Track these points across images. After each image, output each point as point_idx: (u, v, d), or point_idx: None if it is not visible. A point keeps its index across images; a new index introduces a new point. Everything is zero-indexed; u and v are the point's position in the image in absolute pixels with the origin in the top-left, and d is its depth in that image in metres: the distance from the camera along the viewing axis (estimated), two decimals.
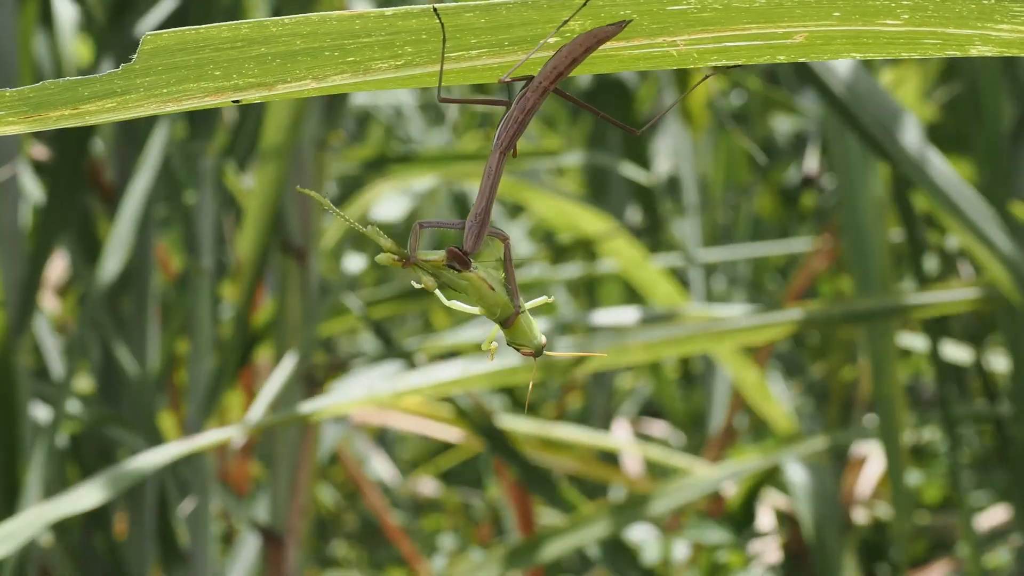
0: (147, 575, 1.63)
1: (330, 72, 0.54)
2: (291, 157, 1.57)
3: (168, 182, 1.59)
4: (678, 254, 2.19)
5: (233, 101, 0.54)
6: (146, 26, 1.53)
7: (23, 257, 1.49)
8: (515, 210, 2.56)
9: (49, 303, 1.94)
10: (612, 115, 2.24)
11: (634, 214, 2.32)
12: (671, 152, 2.40)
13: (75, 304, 1.84)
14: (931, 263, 1.94)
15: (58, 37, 1.64)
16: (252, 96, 0.54)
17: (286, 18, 0.52)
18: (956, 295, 1.41)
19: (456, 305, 0.60)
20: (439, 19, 0.53)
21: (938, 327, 1.54)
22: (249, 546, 1.70)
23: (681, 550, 1.77)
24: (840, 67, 1.30)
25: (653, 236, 2.32)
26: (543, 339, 0.59)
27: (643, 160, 2.33)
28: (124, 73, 0.52)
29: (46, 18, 1.66)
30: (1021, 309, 1.41)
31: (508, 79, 0.56)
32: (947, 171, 1.28)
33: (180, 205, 1.60)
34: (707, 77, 0.63)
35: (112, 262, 1.47)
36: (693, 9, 0.53)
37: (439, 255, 0.58)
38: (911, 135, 1.27)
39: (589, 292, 2.34)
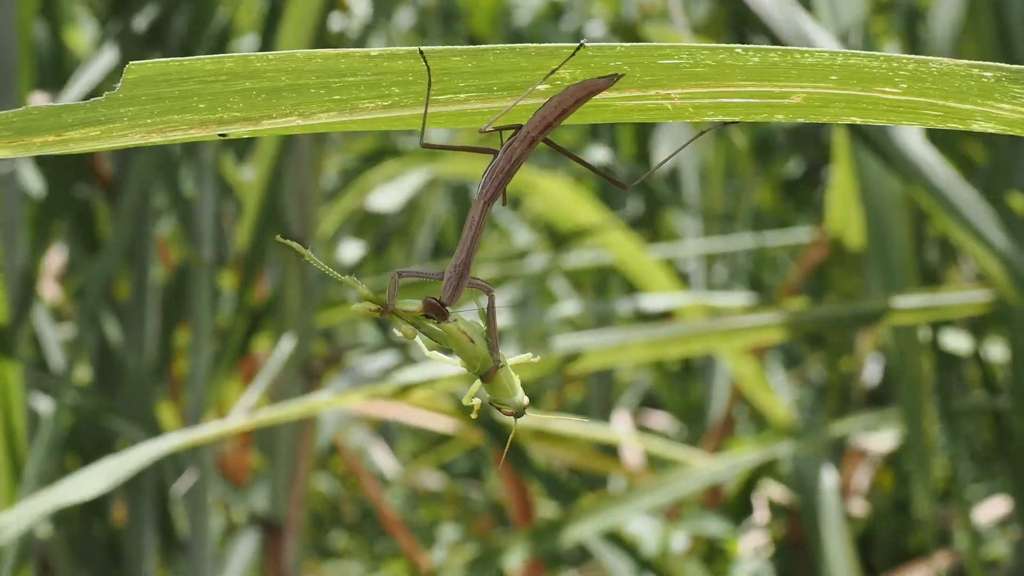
0: (146, 565, 1.63)
1: (316, 109, 0.53)
2: (289, 149, 1.57)
3: (167, 173, 1.59)
4: (677, 245, 2.19)
5: (219, 135, 0.53)
6: (146, 16, 1.53)
7: (23, 248, 1.50)
8: (514, 202, 2.56)
9: (49, 291, 1.94)
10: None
11: (635, 207, 2.32)
12: (671, 144, 2.39)
13: (74, 294, 1.84)
14: (932, 254, 1.94)
15: (57, 26, 1.64)
16: (238, 131, 0.53)
17: (271, 54, 0.51)
18: (965, 297, 1.41)
19: (436, 356, 0.58)
20: (425, 62, 0.52)
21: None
22: (248, 536, 1.70)
23: (680, 541, 1.77)
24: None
25: (652, 227, 2.32)
26: (525, 399, 0.57)
27: (643, 152, 2.33)
28: (108, 102, 0.51)
29: (46, 7, 1.66)
30: (1019, 305, 1.41)
31: (490, 129, 0.54)
32: (943, 169, 1.28)
33: (179, 196, 1.60)
34: (703, 133, 0.61)
35: (112, 253, 1.47)
36: (686, 64, 0.52)
37: (417, 305, 0.56)
38: (909, 134, 1.27)
39: (591, 284, 2.34)
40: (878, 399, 2.25)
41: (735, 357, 1.77)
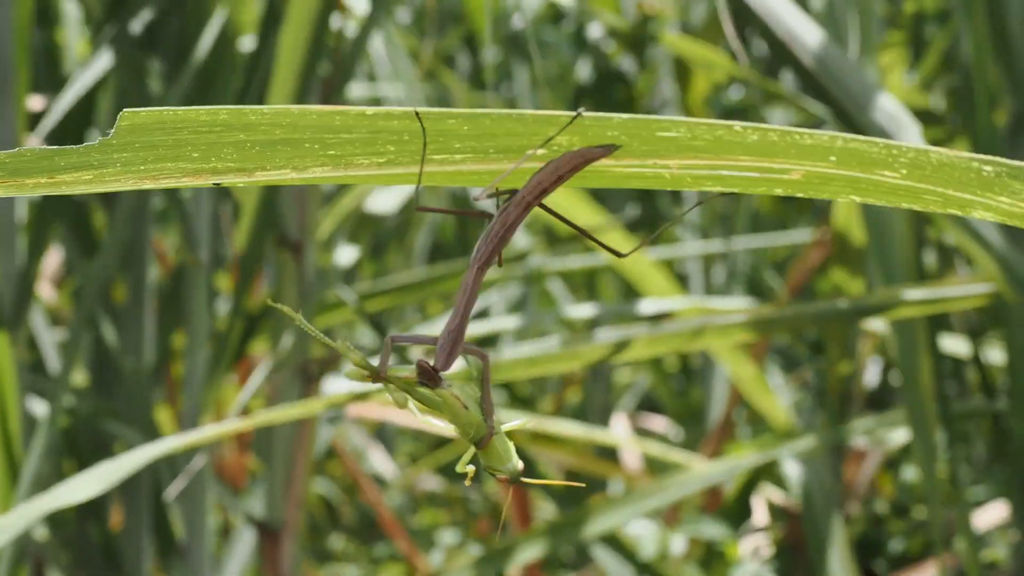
0: (143, 568, 1.62)
1: (310, 163, 0.53)
2: None
3: None
4: (676, 247, 2.19)
5: (214, 184, 0.53)
6: (141, 22, 1.53)
7: (19, 251, 1.49)
8: None
9: (46, 292, 1.94)
10: (613, 106, 2.23)
11: (633, 209, 2.32)
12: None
13: (71, 296, 1.84)
14: (930, 257, 1.94)
15: (55, 32, 1.64)
16: (231, 180, 0.53)
17: (265, 108, 0.51)
18: (961, 291, 1.40)
19: (429, 422, 0.57)
20: (420, 123, 0.51)
21: (936, 321, 1.54)
22: (245, 539, 1.70)
23: (678, 544, 1.77)
24: (833, 64, 1.30)
25: (651, 230, 2.32)
26: (520, 464, 0.56)
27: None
28: (101, 147, 0.51)
29: (42, 10, 1.65)
30: (1016, 305, 1.41)
31: (484, 197, 0.54)
32: None
33: (176, 198, 1.59)
34: (700, 203, 0.61)
35: (108, 255, 1.47)
36: (684, 137, 0.52)
37: (410, 371, 0.55)
38: (907, 132, 1.27)
39: (588, 287, 2.34)
40: (877, 402, 2.24)
41: (734, 360, 1.76)
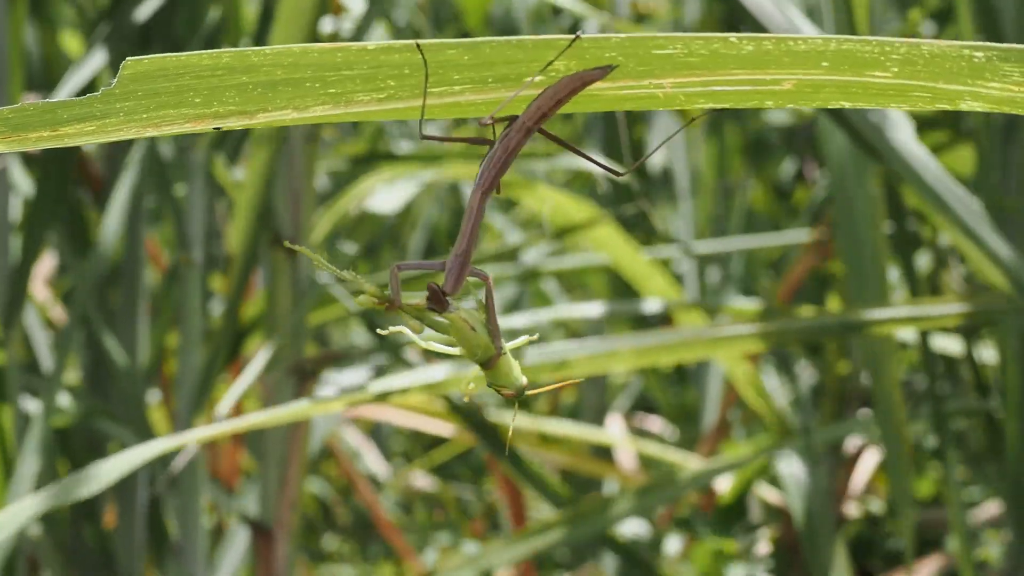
0: (136, 567, 1.62)
1: (311, 103, 0.54)
2: (281, 150, 1.57)
3: (158, 175, 1.59)
4: (671, 246, 2.19)
5: (214, 128, 0.54)
6: (137, 17, 1.53)
7: (12, 251, 1.49)
8: (507, 205, 2.56)
9: (40, 293, 1.94)
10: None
11: (627, 215, 2.32)
12: (662, 139, 2.39)
13: (65, 296, 1.84)
14: (923, 259, 1.94)
15: (48, 29, 1.64)
16: (233, 124, 0.54)
17: (267, 48, 0.52)
18: (949, 309, 1.40)
19: (434, 347, 0.59)
20: (422, 55, 0.52)
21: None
22: (239, 539, 1.70)
23: (674, 544, 1.77)
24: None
25: (645, 228, 2.32)
26: (524, 380, 0.58)
27: (637, 153, 2.32)
28: (104, 97, 0.52)
29: (36, 9, 1.65)
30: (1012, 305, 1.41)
31: (490, 121, 0.55)
32: (936, 168, 1.28)
33: (170, 198, 1.59)
34: (694, 120, 0.62)
35: (102, 255, 1.47)
36: (679, 54, 0.52)
37: (420, 297, 0.57)
38: (902, 133, 1.27)
39: (583, 287, 2.34)
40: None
41: (729, 360, 1.77)
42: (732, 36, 0.52)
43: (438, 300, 0.56)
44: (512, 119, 0.55)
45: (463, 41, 0.52)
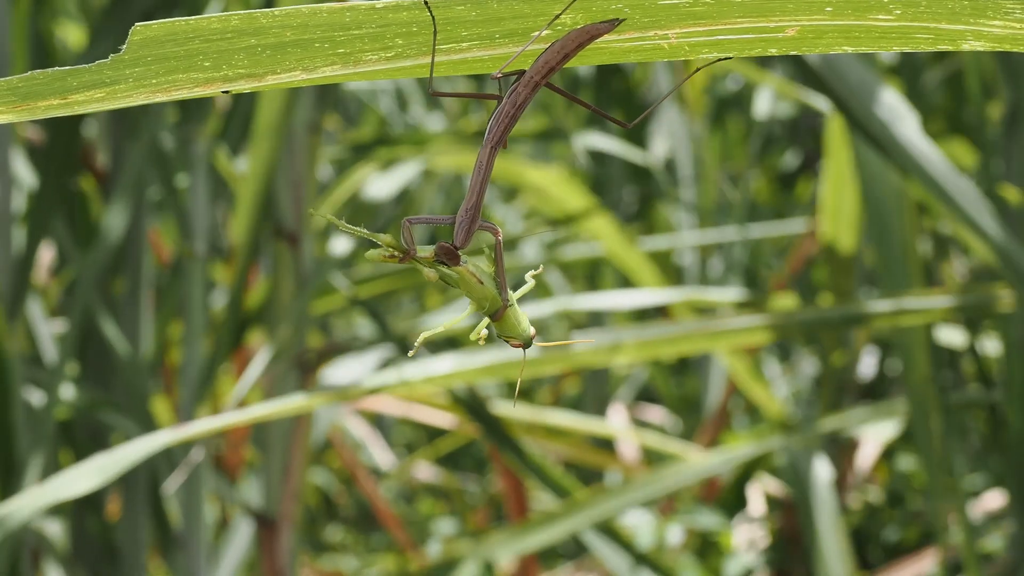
0: (140, 558, 1.63)
1: (320, 63, 0.54)
2: (283, 141, 1.57)
3: (160, 166, 1.59)
4: (672, 236, 2.19)
5: (223, 91, 0.54)
6: (141, 8, 1.53)
7: (16, 242, 1.49)
8: (509, 194, 2.55)
9: (42, 279, 1.94)
10: (612, 97, 2.23)
11: (630, 205, 2.32)
12: (667, 136, 2.39)
13: (68, 287, 1.84)
14: (925, 249, 1.94)
15: (50, 24, 1.64)
16: (241, 87, 0.54)
17: (276, 10, 0.52)
18: (951, 301, 1.41)
19: (447, 276, 0.60)
20: (430, 12, 0.52)
21: None
22: (242, 530, 1.70)
23: (675, 534, 1.77)
24: (832, 55, 1.30)
25: (647, 219, 2.32)
26: (532, 331, 0.59)
27: (640, 144, 2.32)
28: (113, 63, 0.52)
29: (39, 4, 1.65)
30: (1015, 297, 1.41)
31: (501, 75, 0.55)
32: (940, 160, 1.28)
33: (173, 189, 1.59)
34: (699, 69, 0.62)
35: (105, 246, 1.47)
36: (685, 3, 0.53)
37: (430, 250, 0.58)
38: (907, 126, 1.27)
39: (587, 278, 2.34)
40: (873, 391, 2.25)
41: (730, 351, 1.77)
42: None
43: (448, 254, 0.57)
44: (520, 73, 0.55)
45: None
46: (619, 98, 2.23)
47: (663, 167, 2.38)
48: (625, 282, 2.15)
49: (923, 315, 1.39)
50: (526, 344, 0.59)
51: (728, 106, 2.40)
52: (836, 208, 1.80)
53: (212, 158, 1.60)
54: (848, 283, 1.84)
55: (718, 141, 2.34)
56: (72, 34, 1.84)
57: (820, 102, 1.79)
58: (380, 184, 1.84)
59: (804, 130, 2.54)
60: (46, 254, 1.90)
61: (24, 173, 1.59)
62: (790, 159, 2.59)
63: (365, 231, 0.57)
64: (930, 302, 1.39)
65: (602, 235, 1.84)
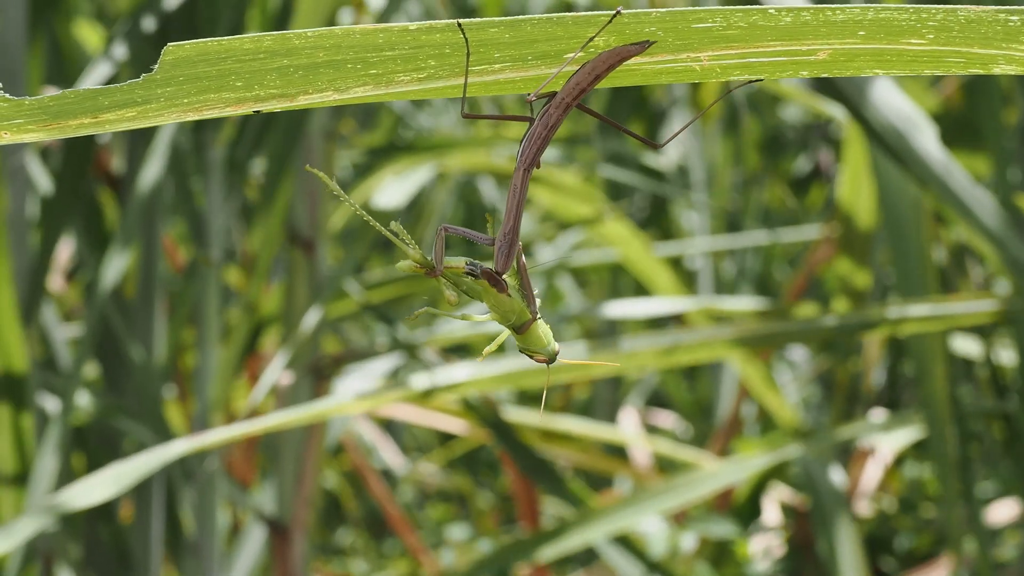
0: (153, 564, 1.62)
1: (352, 84, 0.54)
2: (299, 146, 1.57)
3: (176, 172, 1.58)
4: (685, 242, 2.19)
5: (254, 111, 0.54)
6: (155, 16, 1.53)
7: (31, 247, 1.49)
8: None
9: (57, 288, 1.93)
10: (625, 106, 2.23)
11: (643, 210, 2.32)
12: (680, 140, 2.39)
13: (82, 292, 1.84)
14: (941, 260, 1.94)
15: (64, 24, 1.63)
16: (273, 107, 0.54)
17: (309, 31, 0.52)
18: (971, 307, 1.40)
19: (470, 316, 0.59)
20: (463, 34, 0.52)
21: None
22: (255, 536, 1.70)
23: (688, 542, 1.77)
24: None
25: (660, 225, 2.31)
26: (557, 346, 0.59)
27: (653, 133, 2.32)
28: (145, 83, 0.52)
29: (55, 5, 1.65)
30: None
31: (535, 97, 0.55)
32: (958, 172, 1.27)
33: (187, 195, 1.59)
34: (729, 92, 0.62)
35: (119, 252, 1.47)
36: (718, 27, 0.53)
37: (459, 262, 0.57)
38: (924, 137, 1.26)
39: (600, 283, 2.34)
40: (885, 399, 2.24)
41: (742, 357, 1.76)
42: (771, 8, 0.52)
43: (494, 280, 0.57)
44: (551, 96, 0.55)
45: (504, 20, 0.52)
46: (633, 104, 2.23)
47: (676, 171, 2.37)
48: (639, 287, 2.15)
49: (940, 321, 1.39)
50: (550, 359, 0.59)
51: (741, 111, 2.40)
52: (854, 196, 1.80)
53: (228, 164, 1.59)
54: (863, 280, 1.83)
55: (731, 146, 2.34)
56: (88, 36, 1.83)
57: (835, 110, 1.79)
58: (391, 192, 1.84)
59: (816, 136, 2.54)
60: (61, 258, 1.90)
61: (39, 177, 1.59)
62: (803, 164, 2.58)
63: (401, 239, 0.57)
64: (950, 308, 1.39)
65: (617, 240, 1.83)
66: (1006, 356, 1.85)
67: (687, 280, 2.25)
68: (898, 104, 1.30)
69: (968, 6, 0.52)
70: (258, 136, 1.58)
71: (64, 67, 1.64)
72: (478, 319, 0.60)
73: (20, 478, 1.45)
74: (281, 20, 1.63)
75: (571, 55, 0.54)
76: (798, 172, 2.58)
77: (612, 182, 2.21)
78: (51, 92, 1.38)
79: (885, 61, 0.55)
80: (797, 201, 2.53)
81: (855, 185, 1.81)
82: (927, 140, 1.30)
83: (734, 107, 2.34)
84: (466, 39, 0.53)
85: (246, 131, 1.60)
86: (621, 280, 2.23)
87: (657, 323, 2.22)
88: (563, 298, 2.34)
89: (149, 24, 1.50)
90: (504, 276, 0.57)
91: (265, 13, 1.61)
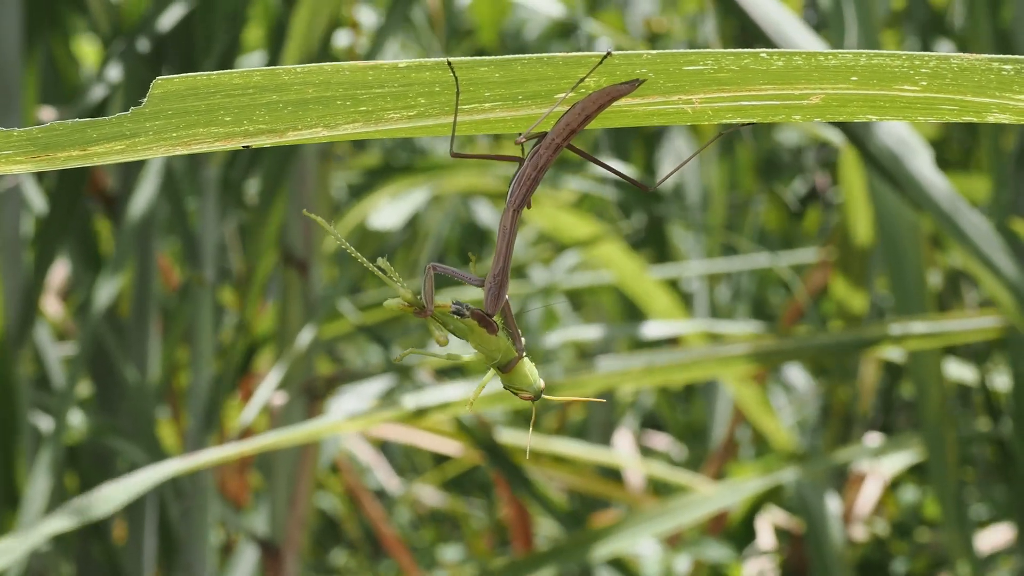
0: None
1: (341, 121, 0.54)
2: (293, 166, 1.57)
3: (170, 192, 1.58)
4: (681, 265, 2.18)
5: (244, 146, 0.54)
6: (150, 36, 1.53)
7: (24, 266, 1.49)
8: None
9: (51, 308, 1.93)
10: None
11: (639, 232, 2.32)
12: (675, 161, 2.39)
13: (76, 311, 1.83)
14: (934, 279, 1.94)
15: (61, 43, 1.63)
16: (262, 142, 0.54)
17: (298, 67, 0.52)
18: (968, 324, 1.40)
19: (453, 356, 0.59)
20: (453, 72, 0.52)
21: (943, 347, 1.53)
22: (247, 557, 1.70)
23: (682, 565, 1.76)
24: None
25: (656, 247, 2.31)
26: (542, 383, 0.59)
27: (650, 170, 2.32)
28: (133, 116, 0.52)
29: (51, 22, 1.65)
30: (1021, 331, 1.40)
31: (525, 139, 0.55)
32: (953, 196, 1.27)
33: (182, 215, 1.59)
34: (720, 136, 0.62)
35: (114, 272, 1.47)
36: (709, 69, 0.53)
37: (446, 303, 0.57)
38: (920, 160, 1.26)
39: (593, 305, 2.34)
40: (881, 424, 2.24)
41: (737, 380, 1.76)
42: (762, 52, 0.52)
43: (484, 322, 0.57)
44: (541, 136, 0.55)
45: (495, 59, 0.52)
46: (624, 132, 2.23)
47: (671, 192, 2.37)
48: (634, 309, 2.15)
49: (934, 339, 1.39)
50: (535, 396, 0.59)
51: (737, 133, 2.40)
52: (849, 231, 1.81)
53: (222, 184, 1.59)
54: (860, 303, 1.83)
55: (727, 168, 2.34)
56: (85, 52, 1.84)
57: (832, 134, 1.79)
58: (386, 214, 1.84)
59: (812, 159, 2.54)
60: (55, 278, 1.90)
61: (34, 197, 1.58)
62: (798, 187, 2.58)
63: (389, 277, 0.57)
64: (943, 326, 1.39)
65: (612, 262, 1.83)
66: (1000, 381, 1.85)
67: (681, 300, 2.25)
68: (894, 128, 1.30)
69: (961, 54, 0.52)
70: (252, 157, 1.58)
71: (60, 83, 1.64)
72: (465, 359, 0.59)
73: (13, 497, 1.44)
74: (276, 41, 1.63)
75: (561, 95, 0.54)
76: (795, 194, 2.58)
77: (606, 203, 2.21)
78: (47, 112, 1.38)
79: (878, 107, 0.54)
80: (793, 224, 2.53)
81: (852, 208, 1.81)
82: (923, 164, 1.30)
83: (732, 132, 2.34)
84: (456, 78, 0.52)
85: (240, 152, 1.60)
86: (615, 301, 2.23)
87: (651, 344, 2.21)
88: (558, 319, 2.34)
89: (144, 45, 1.51)
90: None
91: (260, 34, 1.62)
